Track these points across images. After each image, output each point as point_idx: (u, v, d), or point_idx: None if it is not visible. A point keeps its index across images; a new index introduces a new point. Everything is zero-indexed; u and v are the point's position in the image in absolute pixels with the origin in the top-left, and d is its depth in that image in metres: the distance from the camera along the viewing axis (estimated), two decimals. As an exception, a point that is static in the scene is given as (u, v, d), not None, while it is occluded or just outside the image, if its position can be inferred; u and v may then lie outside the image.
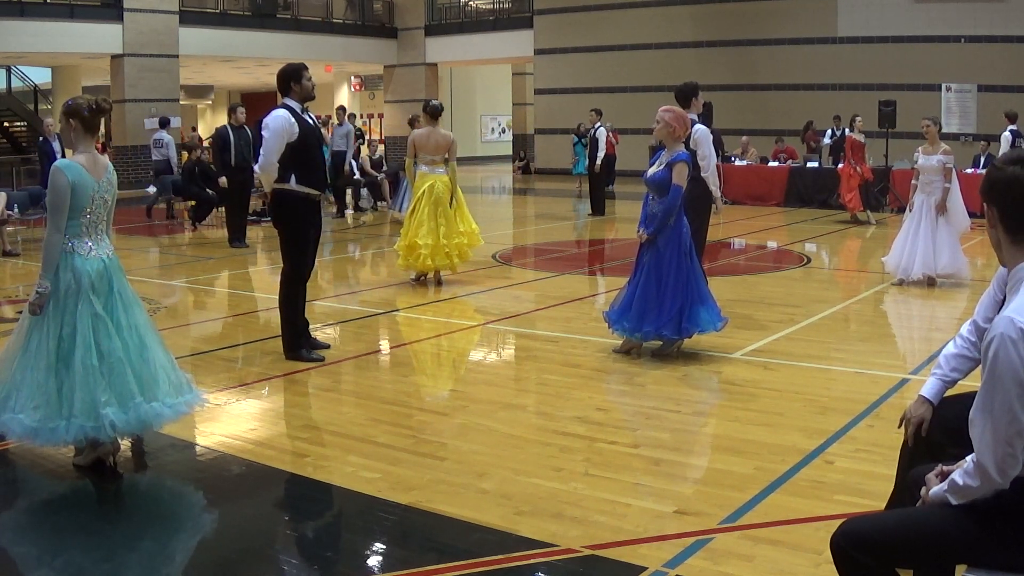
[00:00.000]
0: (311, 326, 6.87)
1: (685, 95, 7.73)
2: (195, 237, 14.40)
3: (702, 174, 7.40)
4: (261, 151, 6.31)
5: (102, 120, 4.56)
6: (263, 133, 6.26)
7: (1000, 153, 13.08)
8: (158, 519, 4.14)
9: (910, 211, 9.39)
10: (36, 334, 4.25)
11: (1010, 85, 19.44)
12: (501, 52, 29.79)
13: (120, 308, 4.38)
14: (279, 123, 6.18)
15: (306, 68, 6.39)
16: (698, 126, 7.49)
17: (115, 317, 4.34)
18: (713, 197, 7.57)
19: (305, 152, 6.27)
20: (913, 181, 9.49)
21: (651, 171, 6.49)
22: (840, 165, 15.94)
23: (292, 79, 6.29)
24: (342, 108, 17.56)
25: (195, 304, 9.44)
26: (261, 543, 3.87)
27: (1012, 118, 14.78)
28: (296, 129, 6.19)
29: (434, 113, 9.34)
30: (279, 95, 6.47)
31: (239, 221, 12.95)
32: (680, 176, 6.30)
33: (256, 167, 6.37)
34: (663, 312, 6.26)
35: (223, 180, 12.97)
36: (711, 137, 7.71)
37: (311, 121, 6.44)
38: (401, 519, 3.95)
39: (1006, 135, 14.61)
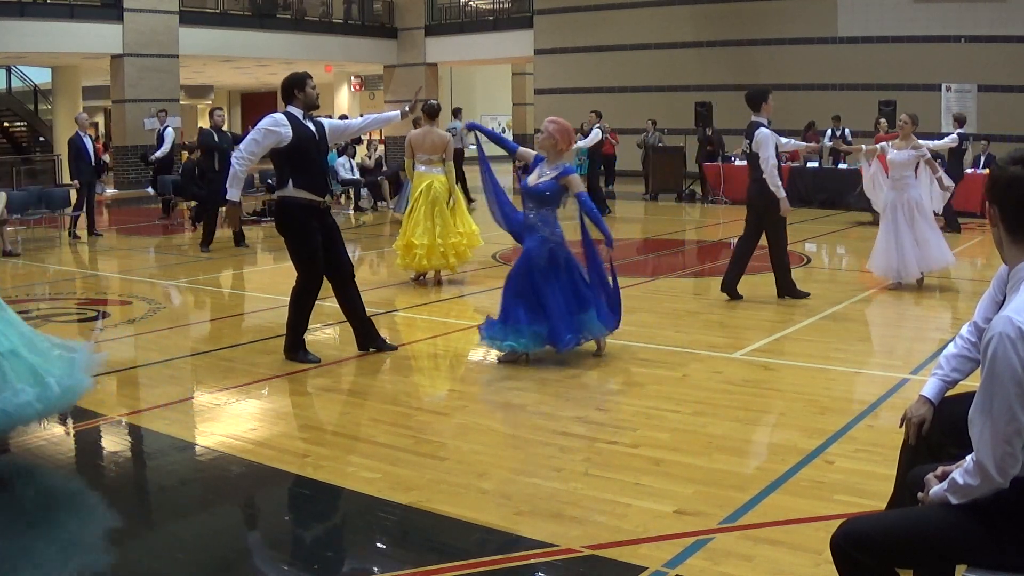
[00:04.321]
0: (310, 327, 6.85)
1: (755, 100, 7.89)
2: (195, 237, 14.38)
3: (763, 175, 7.78)
4: (241, 144, 6.36)
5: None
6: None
7: (943, 156, 12.70)
8: (158, 518, 4.14)
9: (883, 212, 9.19)
10: None
11: (1010, 85, 19.44)
12: (501, 52, 29.77)
13: None
14: (267, 122, 6.19)
15: (310, 77, 6.36)
16: (762, 128, 7.75)
17: None
18: (777, 197, 7.86)
19: (300, 157, 6.21)
20: (875, 179, 9.54)
21: (533, 181, 6.44)
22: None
23: (296, 87, 6.27)
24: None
25: (195, 304, 9.44)
26: (261, 543, 3.87)
27: (961, 121, 14.26)
28: (287, 133, 6.12)
29: (431, 113, 9.35)
30: (282, 103, 6.43)
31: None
32: (580, 184, 6.46)
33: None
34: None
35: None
36: (772, 140, 7.88)
37: (311, 128, 6.31)
38: (401, 519, 3.94)
39: (953, 137, 13.88)
